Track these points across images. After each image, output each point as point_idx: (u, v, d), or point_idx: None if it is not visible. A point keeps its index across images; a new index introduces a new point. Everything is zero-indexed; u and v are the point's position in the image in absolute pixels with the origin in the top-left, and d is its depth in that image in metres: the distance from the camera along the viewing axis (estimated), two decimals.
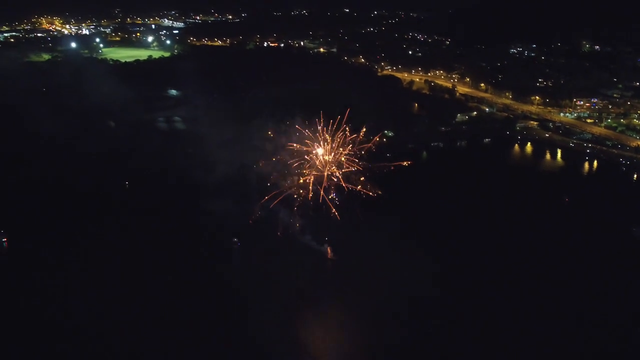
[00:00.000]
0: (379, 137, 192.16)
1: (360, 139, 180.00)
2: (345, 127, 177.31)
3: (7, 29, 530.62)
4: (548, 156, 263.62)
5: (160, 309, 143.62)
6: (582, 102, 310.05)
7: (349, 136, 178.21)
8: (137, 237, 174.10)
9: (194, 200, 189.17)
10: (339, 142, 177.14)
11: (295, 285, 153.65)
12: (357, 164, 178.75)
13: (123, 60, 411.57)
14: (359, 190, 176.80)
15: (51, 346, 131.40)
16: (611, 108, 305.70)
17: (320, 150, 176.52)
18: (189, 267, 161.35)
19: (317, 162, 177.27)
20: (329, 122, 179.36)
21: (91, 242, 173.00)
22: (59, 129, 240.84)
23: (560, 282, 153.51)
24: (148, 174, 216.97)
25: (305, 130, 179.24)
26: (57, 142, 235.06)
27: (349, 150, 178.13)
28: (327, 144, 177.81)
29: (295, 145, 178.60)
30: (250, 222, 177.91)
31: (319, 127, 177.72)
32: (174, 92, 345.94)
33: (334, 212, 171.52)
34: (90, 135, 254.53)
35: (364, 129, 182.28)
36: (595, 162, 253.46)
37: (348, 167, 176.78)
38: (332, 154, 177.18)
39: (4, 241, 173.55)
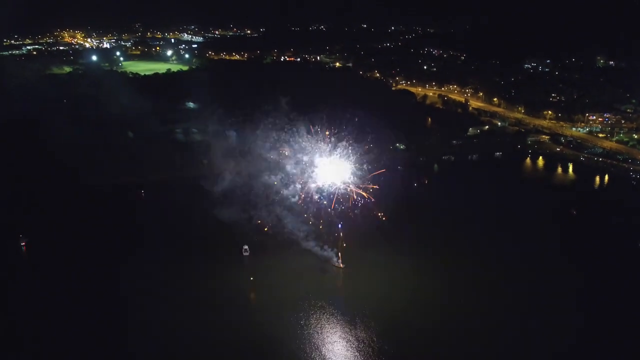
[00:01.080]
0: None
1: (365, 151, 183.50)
2: (349, 140, 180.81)
3: (30, 42, 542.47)
4: (559, 170, 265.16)
5: (174, 314, 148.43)
6: (594, 117, 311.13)
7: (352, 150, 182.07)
8: (150, 243, 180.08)
9: (206, 209, 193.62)
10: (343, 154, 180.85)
11: (303, 292, 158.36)
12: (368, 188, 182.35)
13: (142, 74, 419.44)
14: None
15: (67, 346, 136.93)
16: (624, 123, 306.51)
17: (325, 163, 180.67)
18: (201, 273, 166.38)
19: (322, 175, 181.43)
20: (338, 135, 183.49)
21: (106, 246, 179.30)
22: (79, 138, 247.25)
23: (562, 293, 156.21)
24: (163, 182, 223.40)
25: (313, 143, 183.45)
26: (77, 151, 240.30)
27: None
28: (332, 157, 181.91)
29: (303, 158, 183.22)
30: (260, 232, 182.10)
31: (327, 140, 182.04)
32: (191, 104, 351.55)
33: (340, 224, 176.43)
34: (109, 145, 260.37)
35: (368, 145, 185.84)
36: (606, 176, 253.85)
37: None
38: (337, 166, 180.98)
39: (23, 245, 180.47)
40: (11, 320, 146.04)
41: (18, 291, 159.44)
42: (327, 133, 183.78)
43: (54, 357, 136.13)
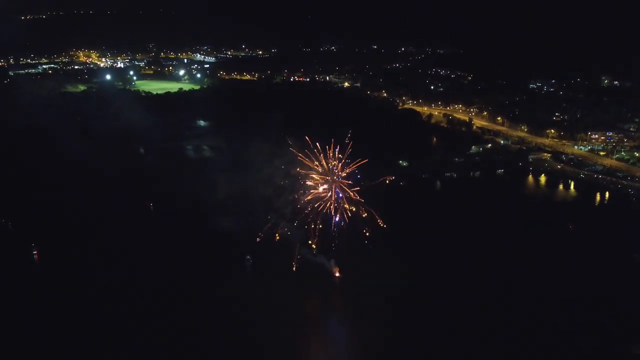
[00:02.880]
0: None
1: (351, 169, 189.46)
2: (341, 158, 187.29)
3: (46, 61, 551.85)
4: (559, 186, 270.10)
5: (180, 320, 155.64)
6: (597, 136, 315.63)
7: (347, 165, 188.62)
8: (158, 252, 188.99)
9: (211, 220, 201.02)
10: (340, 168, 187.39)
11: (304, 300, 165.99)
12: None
13: (154, 92, 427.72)
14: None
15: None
16: (626, 141, 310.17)
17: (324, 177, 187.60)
18: (208, 282, 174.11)
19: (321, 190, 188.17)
20: (339, 151, 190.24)
21: (116, 256, 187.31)
22: (92, 154, 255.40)
23: (551, 303, 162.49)
24: (172, 195, 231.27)
25: (315, 161, 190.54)
26: (90, 166, 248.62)
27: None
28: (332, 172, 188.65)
29: (304, 173, 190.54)
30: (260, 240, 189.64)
31: (325, 156, 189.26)
32: (202, 122, 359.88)
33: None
34: (121, 160, 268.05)
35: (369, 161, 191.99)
36: (606, 193, 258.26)
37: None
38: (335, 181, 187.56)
39: (35, 254, 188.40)
40: (23, 329, 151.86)
41: (30, 299, 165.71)
42: (330, 150, 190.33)
43: None
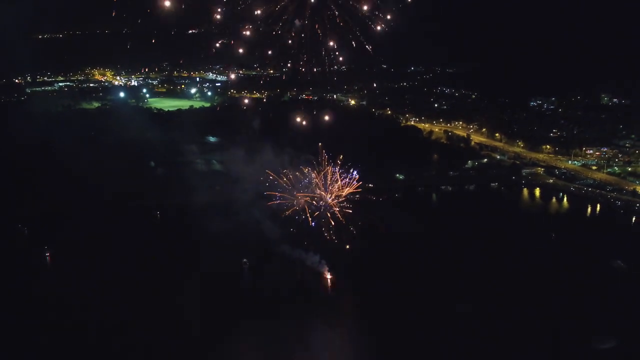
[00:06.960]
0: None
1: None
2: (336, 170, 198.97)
3: (62, 79, 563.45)
4: (548, 199, 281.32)
5: (180, 322, 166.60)
6: (591, 151, 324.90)
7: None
8: (162, 256, 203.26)
9: (212, 226, 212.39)
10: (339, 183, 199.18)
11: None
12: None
13: (166, 109, 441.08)
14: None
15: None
16: (620, 156, 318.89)
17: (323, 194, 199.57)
18: (208, 285, 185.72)
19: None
20: (337, 165, 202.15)
21: (123, 261, 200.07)
22: (104, 167, 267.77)
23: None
24: (178, 205, 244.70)
25: (315, 175, 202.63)
26: (102, 178, 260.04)
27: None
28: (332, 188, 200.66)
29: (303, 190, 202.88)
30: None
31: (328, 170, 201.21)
32: (210, 137, 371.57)
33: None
34: (131, 172, 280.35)
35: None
36: (597, 205, 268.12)
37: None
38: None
39: (47, 256, 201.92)
40: (32, 330, 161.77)
41: (41, 300, 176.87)
42: (328, 163, 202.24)
43: None
